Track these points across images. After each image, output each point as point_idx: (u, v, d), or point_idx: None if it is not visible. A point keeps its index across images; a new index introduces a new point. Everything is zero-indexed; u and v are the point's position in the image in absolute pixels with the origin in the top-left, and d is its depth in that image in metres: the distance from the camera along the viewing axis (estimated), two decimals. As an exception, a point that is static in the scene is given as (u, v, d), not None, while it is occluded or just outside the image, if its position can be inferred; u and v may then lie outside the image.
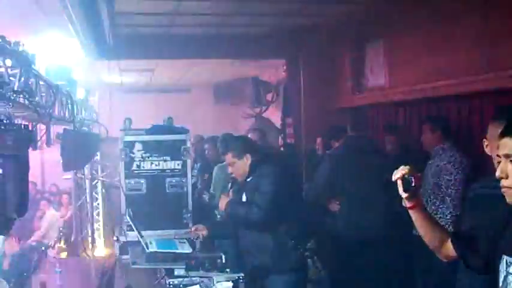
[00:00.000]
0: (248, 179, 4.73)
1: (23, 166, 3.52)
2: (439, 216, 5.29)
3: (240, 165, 4.76)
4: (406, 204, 2.57)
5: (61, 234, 10.41)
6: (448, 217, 5.23)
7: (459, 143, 5.51)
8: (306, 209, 5.02)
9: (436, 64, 6.04)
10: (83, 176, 10.32)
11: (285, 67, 9.64)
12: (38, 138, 4.52)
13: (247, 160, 4.72)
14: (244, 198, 4.71)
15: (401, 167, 2.54)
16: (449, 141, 5.49)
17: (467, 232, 2.59)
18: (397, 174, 2.53)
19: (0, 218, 3.33)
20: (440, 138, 5.52)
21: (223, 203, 4.84)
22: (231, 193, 4.95)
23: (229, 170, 4.93)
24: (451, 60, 5.79)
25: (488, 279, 2.42)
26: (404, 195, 2.52)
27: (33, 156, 3.92)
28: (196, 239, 5.21)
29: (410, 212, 2.59)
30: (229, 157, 4.82)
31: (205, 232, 5.02)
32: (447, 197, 5.29)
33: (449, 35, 5.82)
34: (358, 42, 8.08)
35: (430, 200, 5.37)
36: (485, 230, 2.40)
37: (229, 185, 5.11)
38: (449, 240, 2.55)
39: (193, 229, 5.19)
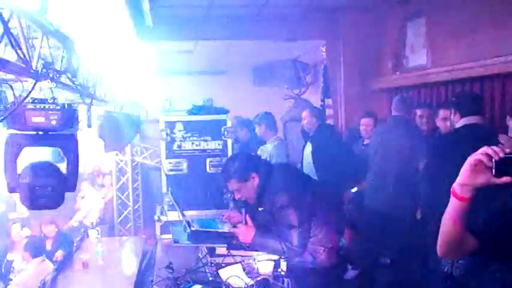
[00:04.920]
0: (260, 207, 4.39)
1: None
2: None
3: (248, 188, 4.30)
4: (467, 193, 2.09)
5: (102, 214, 10.56)
6: None
7: (504, 124, 5.37)
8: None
9: (480, 42, 5.91)
10: (124, 158, 10.47)
11: (324, 48, 9.55)
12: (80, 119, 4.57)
13: (254, 180, 4.28)
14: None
15: (493, 147, 2.00)
16: None
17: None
18: (499, 154, 1.98)
19: (53, 194, 3.43)
20: None
21: (246, 235, 4.31)
22: (248, 220, 4.40)
23: (237, 196, 4.43)
24: (495, 38, 5.66)
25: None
26: (496, 181, 1.99)
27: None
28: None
29: (461, 203, 2.12)
30: (233, 183, 4.33)
31: (237, 220, 4.75)
32: None
33: (494, 11, 5.68)
34: (399, 21, 7.96)
35: None
36: None
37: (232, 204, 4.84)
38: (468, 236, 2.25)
39: (225, 215, 5.01)
